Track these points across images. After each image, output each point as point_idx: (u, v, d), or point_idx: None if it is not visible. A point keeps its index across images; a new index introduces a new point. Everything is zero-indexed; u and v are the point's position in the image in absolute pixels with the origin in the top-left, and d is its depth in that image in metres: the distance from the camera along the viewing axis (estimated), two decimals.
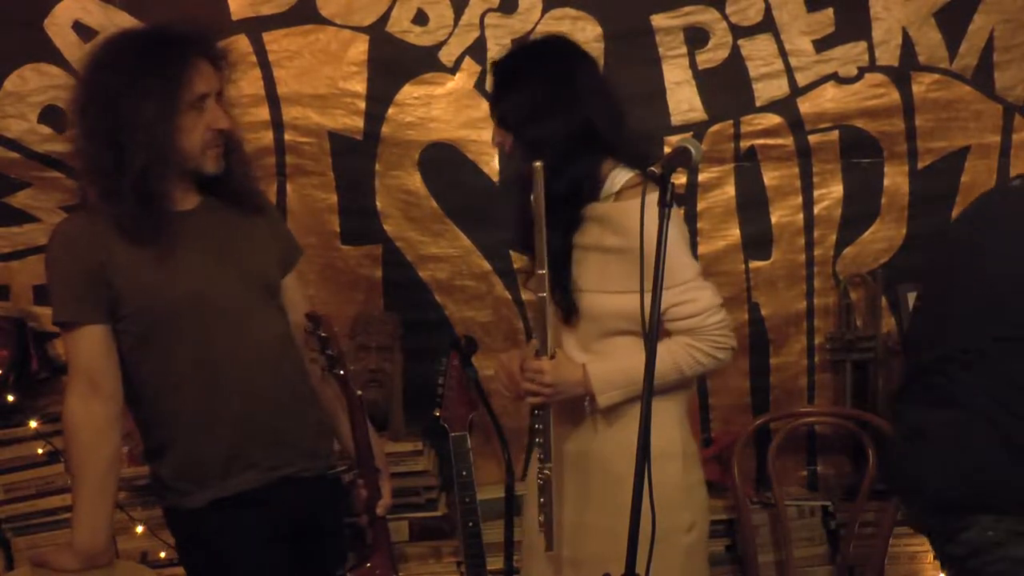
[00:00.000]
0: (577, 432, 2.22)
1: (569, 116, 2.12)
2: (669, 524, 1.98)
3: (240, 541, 2.14)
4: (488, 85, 2.22)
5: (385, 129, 3.08)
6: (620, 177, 2.15)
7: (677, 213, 2.00)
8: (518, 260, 2.99)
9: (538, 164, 2.04)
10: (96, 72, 2.07)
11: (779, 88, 3.10)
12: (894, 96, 3.11)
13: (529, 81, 2.16)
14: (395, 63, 3.05)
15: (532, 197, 2.06)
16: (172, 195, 2.11)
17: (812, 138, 3.13)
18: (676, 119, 3.10)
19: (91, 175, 2.05)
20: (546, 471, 2.16)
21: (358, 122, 3.07)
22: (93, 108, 2.04)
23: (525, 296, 2.38)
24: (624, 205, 2.11)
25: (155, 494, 2.26)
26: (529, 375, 2.14)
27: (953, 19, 3.08)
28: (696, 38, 3.08)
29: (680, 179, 3.07)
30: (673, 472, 2.16)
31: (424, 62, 3.06)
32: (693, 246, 3.16)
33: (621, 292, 2.08)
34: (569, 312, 2.16)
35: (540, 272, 2.09)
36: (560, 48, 2.24)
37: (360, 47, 3.04)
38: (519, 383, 2.17)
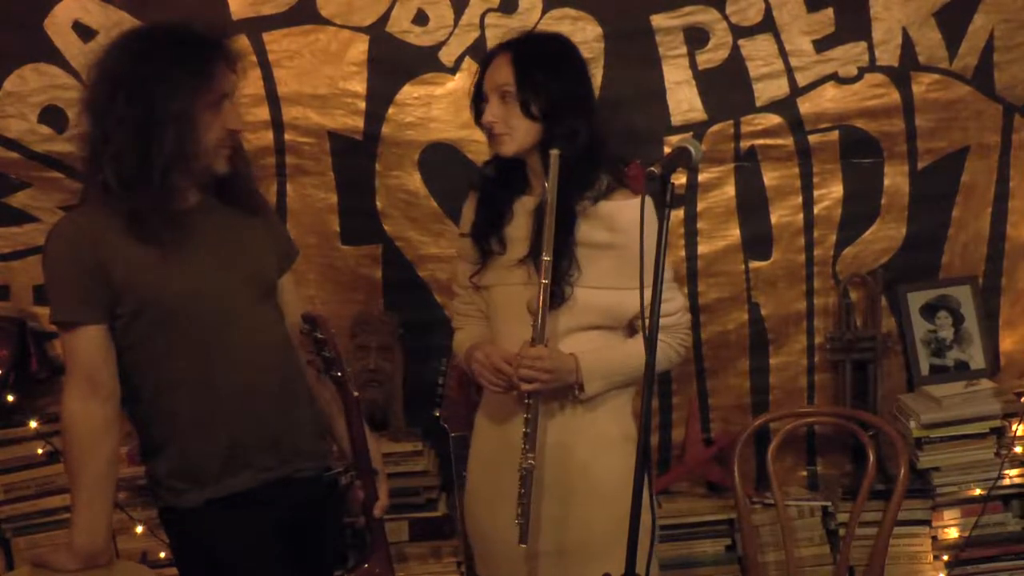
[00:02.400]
0: (546, 423, 2.25)
1: (593, 115, 2.23)
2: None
3: (236, 542, 2.14)
4: (503, 63, 2.21)
5: (385, 129, 3.07)
6: (604, 177, 2.24)
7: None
8: None
9: (555, 152, 2.12)
10: (125, 60, 2.06)
11: (779, 88, 3.10)
12: (894, 96, 3.10)
13: (569, 73, 2.24)
14: (395, 63, 3.05)
15: (545, 184, 2.13)
16: (182, 192, 2.12)
17: (812, 138, 3.12)
18: (676, 119, 3.10)
19: (113, 162, 2.03)
20: (530, 461, 2.17)
21: (358, 122, 3.07)
22: (122, 95, 2.03)
23: (463, 297, 2.36)
24: (620, 204, 2.21)
25: (151, 494, 2.26)
26: (528, 361, 2.15)
27: (953, 19, 3.08)
28: (696, 38, 3.07)
29: (680, 179, 3.06)
30: (632, 454, 2.21)
31: (424, 62, 3.06)
32: (693, 246, 3.16)
33: (607, 288, 2.21)
34: (556, 302, 2.20)
35: (545, 259, 2.13)
36: (578, 50, 2.32)
37: (360, 47, 3.04)
38: (509, 372, 2.18)
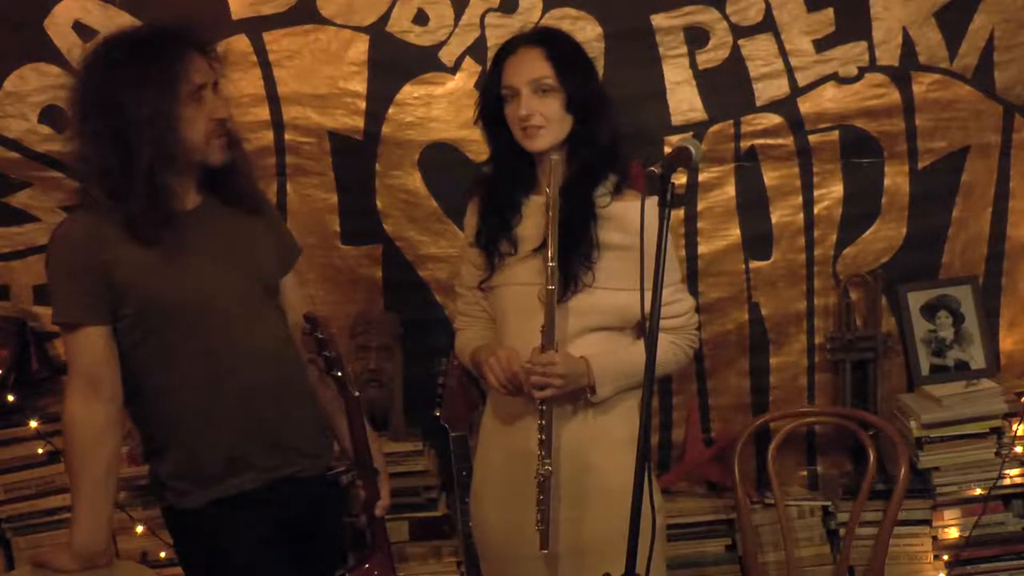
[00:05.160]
0: (558, 427, 2.24)
1: (613, 112, 2.25)
2: (646, 507, 2.00)
3: (239, 541, 2.15)
4: (535, 57, 2.21)
5: (385, 129, 3.07)
6: (611, 177, 2.24)
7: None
8: None
9: (555, 157, 2.15)
10: (93, 74, 2.07)
11: (779, 88, 3.09)
12: (894, 96, 3.10)
13: (594, 70, 2.28)
14: (395, 63, 3.05)
15: (547, 188, 2.13)
16: (177, 193, 2.11)
17: (812, 138, 3.12)
18: (676, 119, 3.09)
19: (98, 176, 2.04)
20: (547, 467, 2.16)
21: (358, 122, 3.07)
22: (95, 109, 2.03)
23: (466, 297, 2.38)
24: (631, 205, 2.19)
25: (154, 494, 2.26)
26: (540, 368, 2.14)
27: (953, 19, 3.08)
28: (696, 38, 3.07)
29: (680, 179, 3.06)
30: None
31: (424, 62, 3.05)
32: (693, 246, 3.16)
33: (617, 289, 2.19)
34: (573, 290, 2.20)
35: (551, 264, 2.12)
36: None
37: (360, 47, 3.04)
38: (521, 379, 2.17)
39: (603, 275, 2.20)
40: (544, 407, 2.17)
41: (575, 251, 2.18)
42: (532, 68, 2.19)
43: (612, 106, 2.25)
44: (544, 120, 2.18)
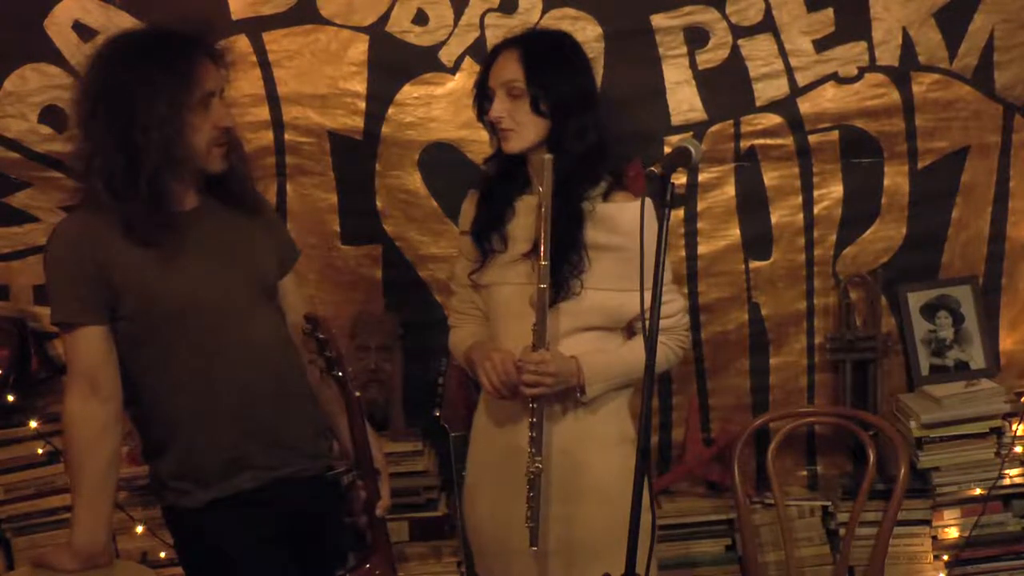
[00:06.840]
0: (548, 426, 2.25)
1: (598, 112, 2.24)
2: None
3: (239, 541, 2.15)
4: (510, 59, 2.22)
5: (385, 129, 3.07)
6: (605, 177, 2.25)
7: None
8: None
9: (548, 156, 2.14)
10: (104, 71, 2.06)
11: (779, 88, 3.09)
12: (894, 96, 3.10)
13: (576, 70, 2.25)
14: (395, 63, 3.05)
15: (540, 188, 2.14)
16: (177, 194, 2.11)
17: (812, 138, 3.12)
18: (676, 119, 3.09)
19: (100, 175, 2.03)
20: (537, 464, 2.17)
21: (358, 122, 3.07)
22: (103, 108, 2.03)
23: (461, 295, 2.38)
24: (621, 206, 2.22)
25: (154, 493, 2.27)
26: (531, 367, 2.15)
27: (953, 19, 3.08)
28: (696, 38, 3.07)
29: (680, 179, 3.07)
30: (631, 455, 2.21)
31: (424, 62, 3.06)
32: (693, 246, 3.16)
33: (609, 290, 2.21)
34: (563, 296, 2.21)
35: (543, 263, 2.13)
36: (582, 47, 2.32)
37: (360, 47, 3.04)
38: (514, 378, 2.18)
39: (594, 276, 2.21)
40: (535, 405, 2.18)
41: (563, 258, 2.18)
42: (505, 71, 2.21)
43: (596, 107, 2.24)
44: (513, 123, 2.20)
